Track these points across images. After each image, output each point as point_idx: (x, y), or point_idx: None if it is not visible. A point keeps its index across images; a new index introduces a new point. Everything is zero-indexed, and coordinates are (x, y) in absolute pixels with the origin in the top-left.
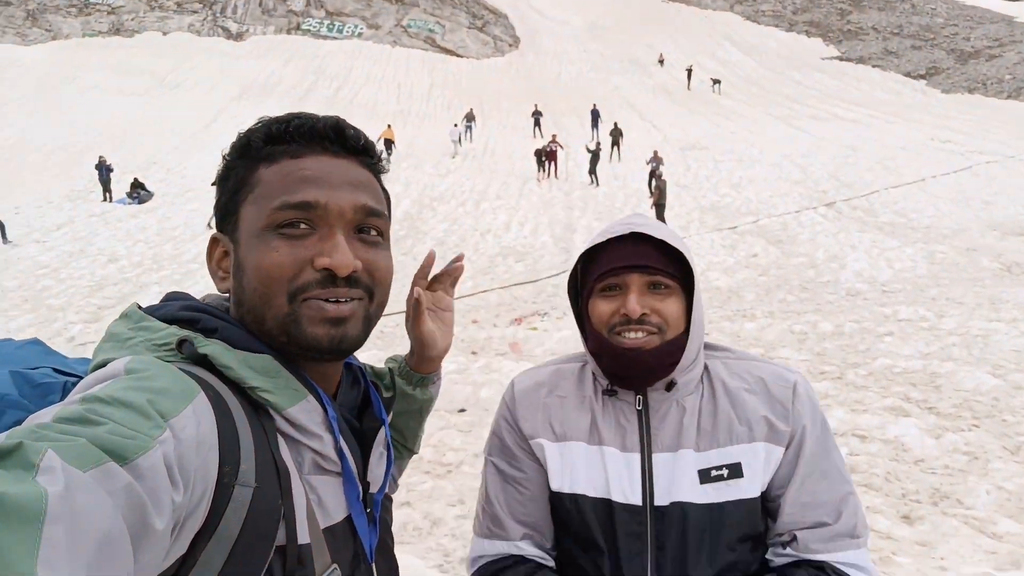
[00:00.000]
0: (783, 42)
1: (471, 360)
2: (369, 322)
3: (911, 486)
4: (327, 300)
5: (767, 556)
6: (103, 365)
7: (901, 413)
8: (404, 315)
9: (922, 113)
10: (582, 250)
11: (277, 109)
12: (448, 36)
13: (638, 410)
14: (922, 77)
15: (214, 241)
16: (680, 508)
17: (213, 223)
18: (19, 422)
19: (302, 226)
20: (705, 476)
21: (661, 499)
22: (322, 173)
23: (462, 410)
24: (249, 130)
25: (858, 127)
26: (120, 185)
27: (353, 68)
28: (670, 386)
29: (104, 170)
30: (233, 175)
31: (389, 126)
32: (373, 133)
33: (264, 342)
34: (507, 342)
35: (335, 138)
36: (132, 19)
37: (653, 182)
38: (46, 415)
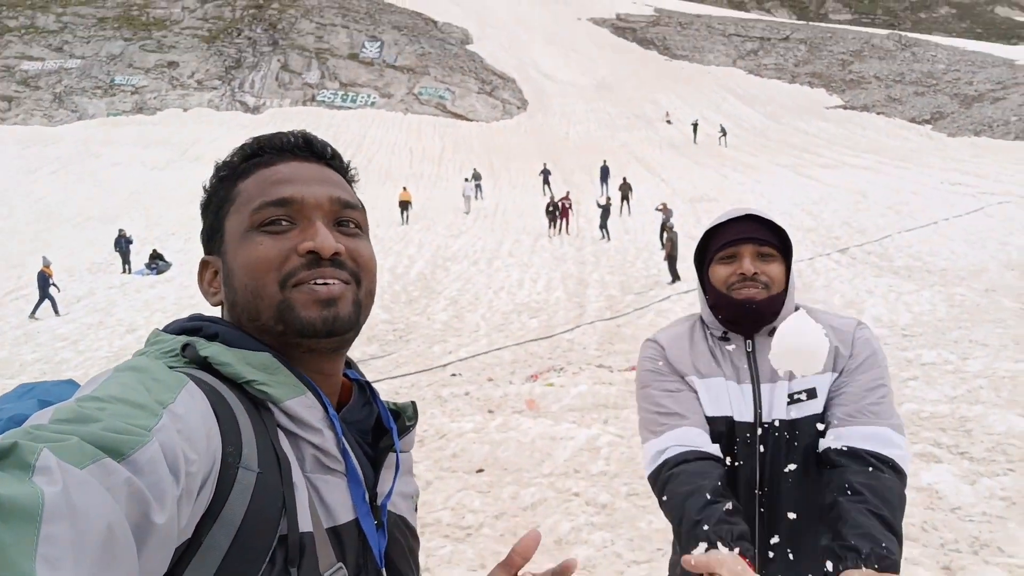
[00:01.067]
0: (787, 93)
1: (488, 419)
2: (360, 307)
3: (949, 535)
4: (316, 282)
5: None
6: None
7: (933, 459)
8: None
9: (930, 157)
10: (707, 228)
11: None
12: (458, 102)
13: (747, 351)
14: (927, 122)
15: (204, 264)
16: (777, 422)
17: None
18: None
19: (284, 223)
20: (791, 399)
21: (766, 417)
22: (295, 173)
23: (480, 470)
24: (226, 156)
25: (867, 173)
26: (140, 256)
27: (367, 135)
28: (771, 332)
29: (124, 242)
30: (215, 197)
31: (404, 188)
32: (388, 196)
33: (262, 341)
34: (523, 399)
35: (304, 147)
36: (154, 98)
37: (665, 234)
38: (44, 415)
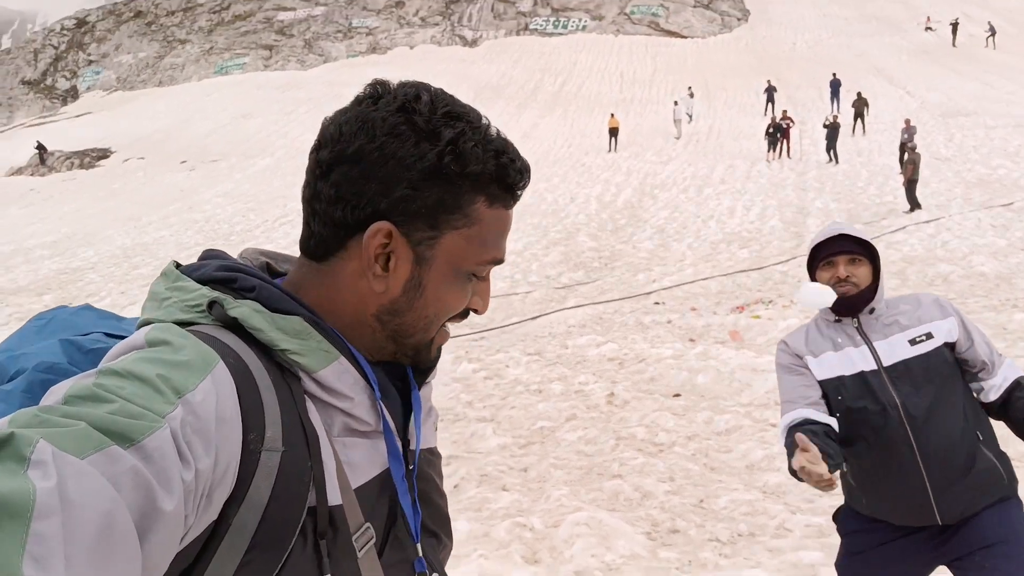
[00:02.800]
0: None
1: (688, 347)
2: None
3: None
4: (449, 326)
5: (981, 390)
6: (145, 325)
7: None
8: None
9: None
10: (810, 247)
11: (507, 108)
12: (672, 18)
13: (855, 327)
14: None
15: (380, 231)
16: (903, 363)
17: None
18: None
19: (483, 276)
20: (913, 342)
21: (887, 361)
22: (508, 228)
23: (677, 395)
24: (474, 152)
25: None
26: None
27: (577, 62)
28: (872, 311)
29: None
30: (447, 188)
31: (612, 115)
32: (597, 124)
33: (301, 302)
34: (727, 330)
35: (521, 194)
36: (385, 37)
37: (905, 155)
38: (60, 391)
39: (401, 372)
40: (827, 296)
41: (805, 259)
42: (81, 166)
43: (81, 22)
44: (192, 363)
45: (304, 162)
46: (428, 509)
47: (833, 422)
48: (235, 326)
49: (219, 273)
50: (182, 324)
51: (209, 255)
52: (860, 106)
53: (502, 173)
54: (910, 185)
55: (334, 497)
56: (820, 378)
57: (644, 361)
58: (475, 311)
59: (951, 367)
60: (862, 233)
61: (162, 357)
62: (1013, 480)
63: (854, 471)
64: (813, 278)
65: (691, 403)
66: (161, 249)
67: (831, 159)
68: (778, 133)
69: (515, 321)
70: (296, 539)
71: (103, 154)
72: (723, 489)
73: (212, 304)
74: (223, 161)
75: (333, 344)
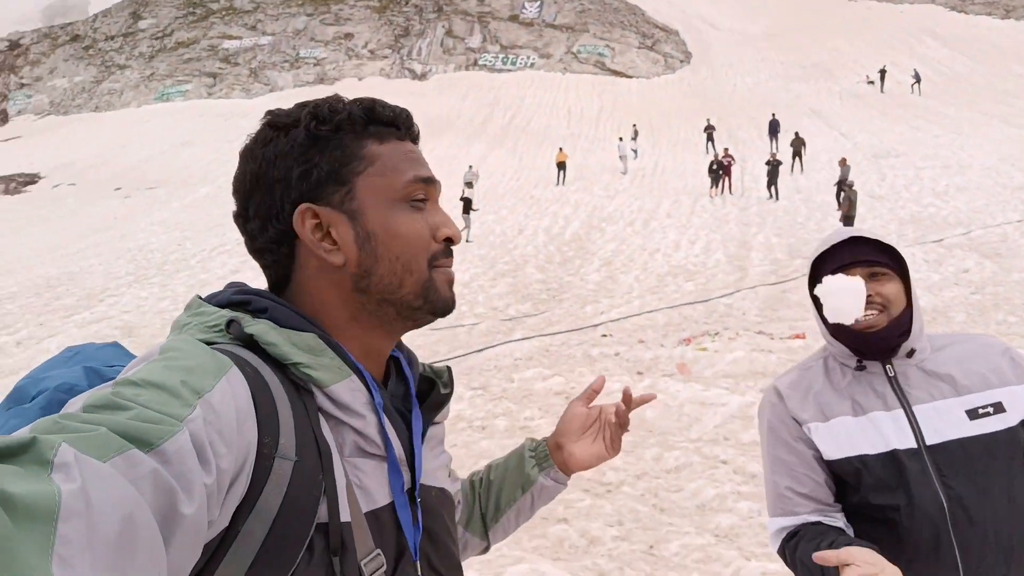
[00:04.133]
0: (1000, 31)
1: (636, 380)
2: None
3: None
4: (448, 266)
5: None
6: None
7: None
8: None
9: None
10: (812, 256)
11: (456, 141)
12: (617, 58)
13: (889, 376)
14: None
15: (312, 213)
16: (958, 444)
17: None
18: None
19: (423, 203)
20: (973, 414)
21: (932, 439)
22: (420, 156)
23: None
24: (339, 104)
25: None
26: None
27: (525, 97)
28: (911, 353)
29: None
30: (332, 147)
31: (561, 149)
32: (545, 157)
33: (312, 320)
34: (674, 363)
35: (415, 131)
36: (333, 68)
37: (842, 193)
38: (78, 402)
39: (404, 396)
40: (857, 299)
41: (751, 291)
42: (6, 192)
43: (14, 44)
44: (206, 366)
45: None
46: (439, 554)
47: (844, 524)
48: (252, 344)
49: (236, 296)
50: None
51: (230, 285)
52: (798, 145)
53: (370, 112)
54: (846, 221)
55: (345, 514)
56: (830, 457)
57: None
58: (449, 241)
59: (1021, 455)
60: (884, 236)
61: (176, 363)
62: None
63: None
64: (820, 306)
65: (639, 439)
66: (88, 279)
67: (771, 195)
68: (720, 170)
69: (460, 354)
70: (303, 555)
71: (30, 179)
72: (674, 533)
73: (230, 323)
74: (160, 188)
75: (345, 363)
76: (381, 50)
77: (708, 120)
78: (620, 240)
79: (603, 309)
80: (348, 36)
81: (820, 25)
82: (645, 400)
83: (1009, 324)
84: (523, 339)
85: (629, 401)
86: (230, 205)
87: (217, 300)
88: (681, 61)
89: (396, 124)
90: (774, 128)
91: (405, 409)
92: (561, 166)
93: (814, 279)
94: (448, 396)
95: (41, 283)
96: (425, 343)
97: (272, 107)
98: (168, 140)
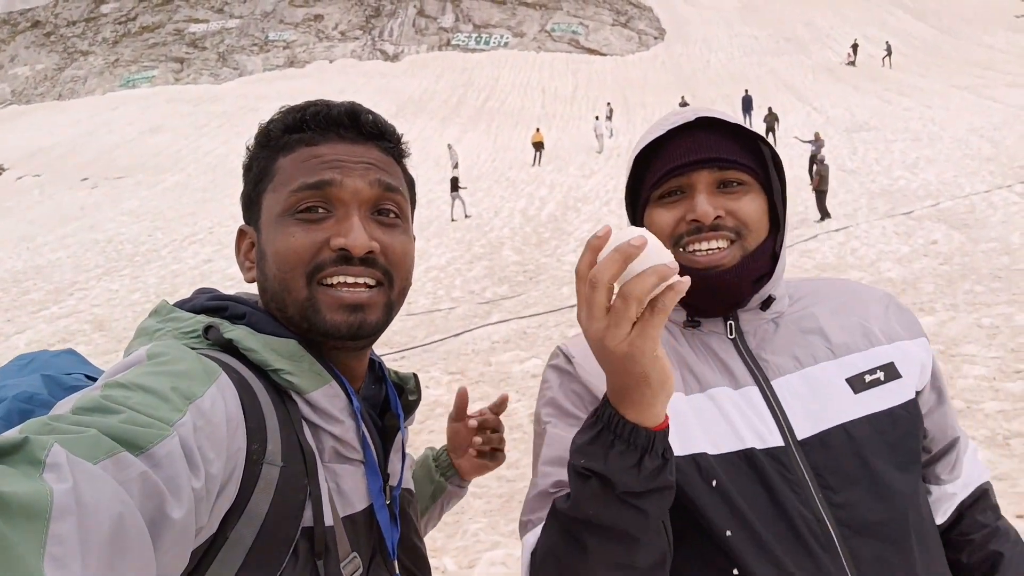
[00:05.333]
0: (967, 3)
1: None
2: (391, 308)
3: None
4: (343, 285)
5: (929, 495)
6: None
7: None
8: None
9: None
10: (635, 150)
11: (429, 123)
12: (591, 36)
13: (731, 339)
14: None
15: (241, 233)
16: (841, 431)
17: None
18: None
19: (320, 210)
20: (859, 383)
21: (804, 430)
22: (337, 155)
23: None
24: (269, 121)
25: None
26: None
27: (500, 77)
28: (766, 303)
29: None
30: (256, 165)
31: (538, 129)
32: (521, 138)
33: (290, 329)
34: None
35: (350, 124)
36: (303, 51)
37: (814, 167)
38: (67, 404)
39: (378, 408)
40: (661, 261)
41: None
42: None
43: None
44: (196, 373)
45: (217, 178)
46: (408, 553)
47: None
48: (231, 350)
49: (211, 303)
50: None
51: (201, 291)
52: (771, 120)
53: (283, 122)
54: (820, 195)
55: (328, 519)
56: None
57: None
58: (341, 248)
59: (918, 442)
60: (749, 122)
61: (166, 368)
62: None
63: None
64: (637, 221)
65: None
66: (56, 272)
67: None
68: None
69: (438, 339)
70: (288, 558)
71: None
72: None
73: (208, 329)
74: (129, 177)
75: (325, 368)
76: (352, 31)
77: (683, 97)
78: (596, 220)
79: None
80: (318, 18)
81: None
82: (498, 405)
83: (976, 294)
84: (500, 322)
85: (498, 407)
86: (201, 192)
87: (191, 306)
88: (655, 38)
89: (305, 128)
90: (747, 104)
91: (375, 412)
92: (538, 146)
93: (634, 188)
94: (415, 403)
95: (7, 278)
96: (402, 328)
97: (241, 92)
98: (135, 127)
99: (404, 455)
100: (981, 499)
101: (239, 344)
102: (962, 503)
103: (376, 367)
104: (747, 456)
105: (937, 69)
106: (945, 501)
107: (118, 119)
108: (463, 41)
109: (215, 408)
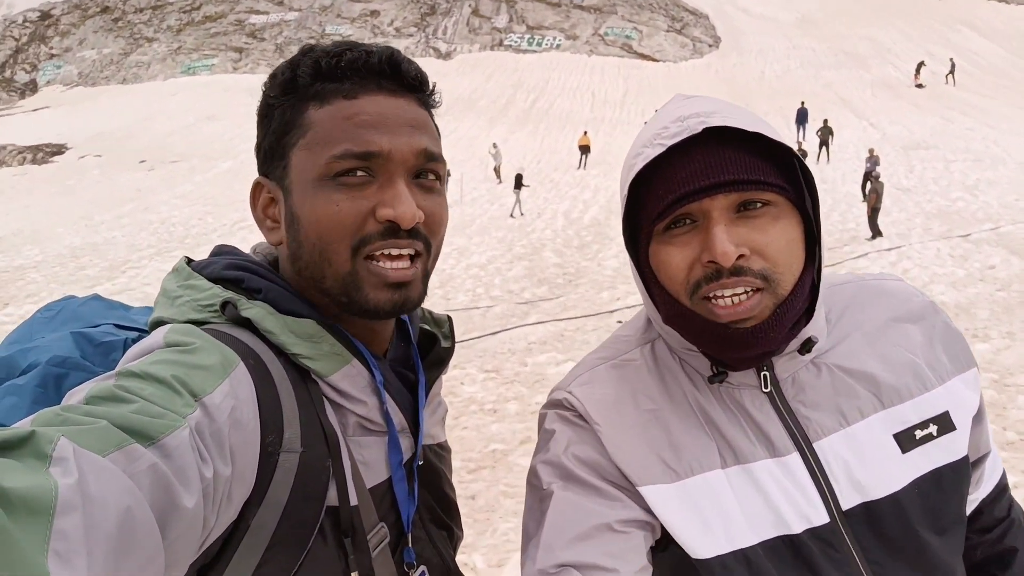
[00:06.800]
0: None
1: None
2: (427, 278)
3: None
4: (387, 258)
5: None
6: (158, 323)
7: None
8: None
9: None
10: (631, 171)
11: (477, 122)
12: (645, 41)
13: (765, 392)
14: None
15: (258, 186)
16: (889, 500)
17: None
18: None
19: (359, 174)
20: (909, 441)
21: (848, 500)
22: (381, 116)
23: None
24: (293, 63)
25: None
26: None
27: (550, 79)
28: (806, 346)
29: None
30: (278, 114)
31: (585, 132)
32: (568, 140)
33: (313, 301)
34: None
35: (391, 73)
36: None
37: (868, 184)
38: (80, 392)
39: (410, 363)
40: None
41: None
42: (34, 161)
43: (45, 15)
44: (212, 366)
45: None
46: (440, 502)
47: None
48: (249, 325)
49: (228, 272)
50: (196, 323)
51: (219, 251)
52: (825, 135)
53: (316, 67)
54: (873, 213)
55: (353, 498)
56: (700, 555)
57: None
58: (389, 220)
59: (964, 501)
60: (766, 127)
61: (181, 359)
62: None
63: None
64: (640, 258)
65: None
66: (111, 250)
67: None
68: None
69: (475, 336)
70: (315, 538)
71: (58, 150)
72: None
73: (225, 304)
74: (184, 162)
75: (345, 345)
76: (407, 28)
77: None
78: None
79: (619, 295)
80: (374, 13)
81: (855, 13)
82: None
83: None
84: (538, 323)
85: None
86: (252, 180)
87: (208, 272)
88: (710, 46)
89: (341, 76)
90: (802, 117)
91: (406, 370)
92: (584, 150)
93: (633, 216)
94: (449, 351)
95: (66, 253)
96: None
97: None
98: (193, 114)
99: (430, 405)
100: (998, 494)
101: (258, 325)
102: (981, 501)
103: (403, 322)
104: (792, 543)
105: (1004, 91)
106: (968, 507)
107: (177, 105)
108: (516, 42)
109: (223, 406)
